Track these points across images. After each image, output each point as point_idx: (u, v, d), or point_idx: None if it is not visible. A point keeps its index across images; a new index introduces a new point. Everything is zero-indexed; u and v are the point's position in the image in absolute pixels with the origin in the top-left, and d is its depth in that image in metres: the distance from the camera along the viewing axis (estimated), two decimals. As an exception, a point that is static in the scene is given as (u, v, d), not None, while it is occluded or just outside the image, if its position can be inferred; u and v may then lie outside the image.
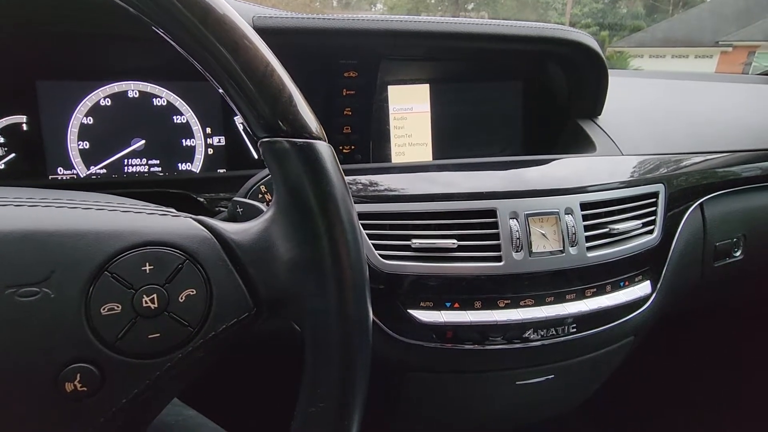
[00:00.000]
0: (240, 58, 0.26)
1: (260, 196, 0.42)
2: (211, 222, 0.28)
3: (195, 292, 0.25)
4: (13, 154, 0.57)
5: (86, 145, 0.59)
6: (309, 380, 0.28)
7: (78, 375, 0.23)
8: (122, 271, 0.24)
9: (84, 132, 0.59)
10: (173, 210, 0.28)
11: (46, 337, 0.23)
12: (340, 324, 0.27)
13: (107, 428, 0.24)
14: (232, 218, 0.36)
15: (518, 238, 0.52)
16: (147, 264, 0.25)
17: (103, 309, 0.24)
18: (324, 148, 0.28)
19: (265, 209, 0.30)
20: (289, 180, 0.27)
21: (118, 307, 0.24)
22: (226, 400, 0.64)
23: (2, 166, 0.57)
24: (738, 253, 0.74)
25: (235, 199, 0.36)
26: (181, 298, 0.25)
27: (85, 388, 0.23)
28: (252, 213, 0.33)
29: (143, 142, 0.61)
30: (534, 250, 0.52)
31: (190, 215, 0.28)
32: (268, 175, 0.43)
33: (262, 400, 0.73)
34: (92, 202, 0.26)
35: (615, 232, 0.56)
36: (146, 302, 0.24)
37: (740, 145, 0.75)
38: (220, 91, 0.27)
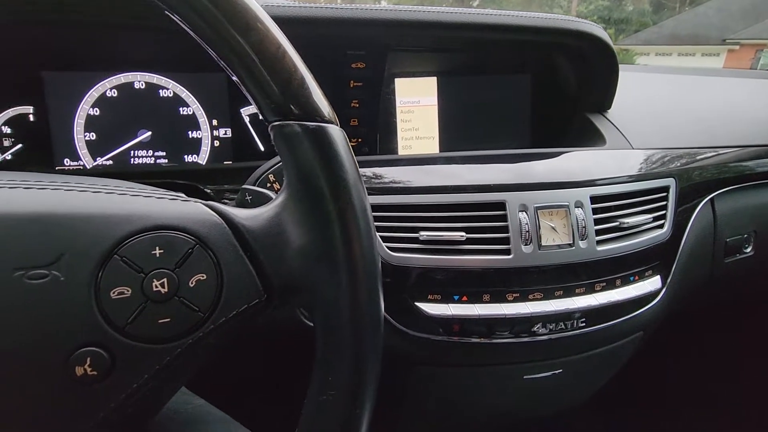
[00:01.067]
0: (251, 40, 0.25)
1: (269, 185, 0.41)
2: (222, 207, 0.27)
3: (205, 277, 0.25)
4: (20, 145, 0.57)
5: (93, 136, 0.59)
6: (320, 368, 0.27)
7: (88, 359, 0.23)
8: (132, 255, 0.24)
9: (90, 123, 0.59)
10: (183, 195, 0.27)
11: (55, 320, 0.23)
12: (351, 310, 0.27)
13: (117, 413, 0.24)
14: (241, 206, 0.36)
15: (527, 231, 0.51)
16: (157, 248, 0.24)
17: (113, 293, 0.24)
18: (336, 131, 0.27)
19: (274, 196, 0.29)
20: (300, 164, 0.27)
21: (128, 291, 0.24)
22: (235, 389, 0.64)
23: (9, 157, 0.57)
24: (749, 250, 0.73)
25: (244, 186, 0.35)
26: (192, 283, 0.25)
27: (95, 373, 0.23)
28: (261, 200, 0.33)
29: (149, 133, 0.61)
30: (543, 243, 0.52)
31: (200, 200, 0.27)
32: (277, 164, 0.43)
33: (271, 389, 0.72)
34: (101, 186, 0.26)
35: (625, 226, 0.56)
36: (156, 286, 0.24)
37: (752, 140, 0.74)
38: (234, 78, 0.27)
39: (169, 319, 0.24)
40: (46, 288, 0.23)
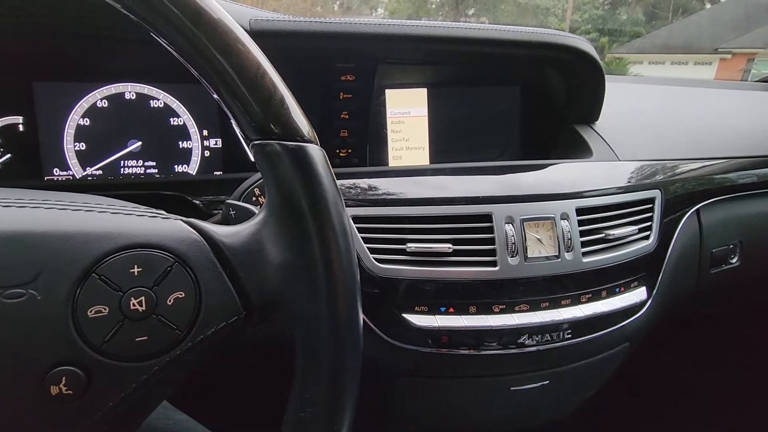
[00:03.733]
0: (232, 61, 0.26)
1: (254, 199, 0.42)
2: (202, 224, 0.27)
3: (184, 295, 0.25)
4: (9, 155, 0.57)
5: (82, 146, 0.59)
6: (299, 385, 0.27)
7: (64, 378, 0.23)
8: (110, 273, 0.24)
9: (80, 133, 0.59)
10: (163, 212, 0.28)
11: (31, 339, 0.23)
12: (329, 328, 0.27)
13: (93, 431, 0.24)
14: (225, 221, 0.36)
15: (514, 243, 0.52)
16: (135, 266, 0.25)
17: (90, 311, 0.24)
18: (315, 151, 0.27)
19: (257, 212, 0.30)
20: (281, 183, 0.27)
21: (105, 309, 0.24)
22: (217, 405, 0.63)
23: (-2, 167, 0.57)
24: (735, 260, 0.74)
25: (227, 201, 0.36)
26: (170, 301, 0.25)
27: (70, 392, 0.23)
28: (244, 216, 0.33)
29: (140, 143, 0.61)
30: (529, 255, 0.52)
31: (181, 217, 0.28)
32: (261, 178, 0.43)
33: (253, 405, 0.72)
34: (81, 204, 0.26)
35: (611, 237, 0.56)
36: (134, 305, 0.24)
37: (738, 151, 0.75)
38: (215, 96, 0.27)
39: (146, 338, 0.24)
40: (22, 307, 0.23)
